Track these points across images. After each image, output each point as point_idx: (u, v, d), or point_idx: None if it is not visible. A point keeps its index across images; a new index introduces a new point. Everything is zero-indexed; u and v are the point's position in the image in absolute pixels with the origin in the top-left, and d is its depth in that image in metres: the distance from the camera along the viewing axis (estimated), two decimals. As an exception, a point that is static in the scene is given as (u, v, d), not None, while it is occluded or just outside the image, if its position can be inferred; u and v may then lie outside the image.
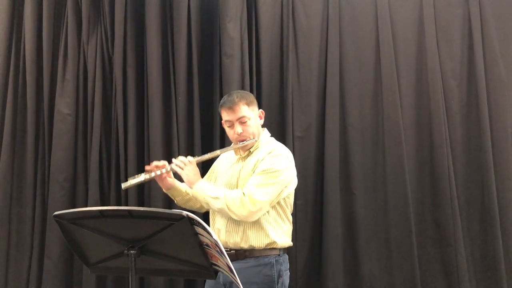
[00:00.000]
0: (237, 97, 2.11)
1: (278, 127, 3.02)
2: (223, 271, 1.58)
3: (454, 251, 2.87)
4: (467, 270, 2.88)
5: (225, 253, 1.50)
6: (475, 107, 3.00)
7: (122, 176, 2.94)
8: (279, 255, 2.09)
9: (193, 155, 2.94)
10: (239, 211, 1.98)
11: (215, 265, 1.58)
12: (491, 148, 2.94)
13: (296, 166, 2.91)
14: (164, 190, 2.25)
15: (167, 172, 2.15)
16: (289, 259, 2.81)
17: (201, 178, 2.13)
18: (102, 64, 3.04)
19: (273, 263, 2.06)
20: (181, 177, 2.14)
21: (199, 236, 1.50)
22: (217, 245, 1.49)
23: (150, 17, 3.00)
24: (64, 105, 3.00)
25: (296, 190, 2.88)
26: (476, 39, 3.02)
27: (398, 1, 3.09)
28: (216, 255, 1.54)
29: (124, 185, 2.19)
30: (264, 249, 2.06)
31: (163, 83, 3.01)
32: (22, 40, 3.08)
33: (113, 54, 3.03)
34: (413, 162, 2.99)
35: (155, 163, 2.17)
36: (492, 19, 3.04)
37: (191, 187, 2.11)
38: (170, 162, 2.17)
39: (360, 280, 2.91)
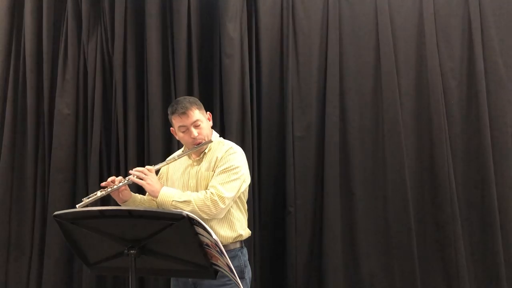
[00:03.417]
0: (188, 103, 2.20)
1: (278, 127, 3.02)
2: (223, 271, 1.58)
3: (454, 251, 2.87)
4: (467, 270, 2.88)
5: (225, 253, 1.50)
6: (475, 107, 3.00)
7: (123, 176, 2.94)
8: (241, 247, 2.21)
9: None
10: (210, 210, 2.06)
11: (215, 265, 1.58)
12: (491, 148, 2.94)
13: (296, 166, 2.95)
14: (119, 203, 2.24)
15: (125, 185, 2.16)
16: (289, 259, 2.86)
17: (163, 185, 2.16)
18: (102, 64, 3.04)
19: (239, 255, 2.18)
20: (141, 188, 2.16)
21: (199, 236, 1.50)
22: (217, 245, 1.49)
23: (150, 17, 3.00)
24: (64, 105, 3.00)
25: (296, 190, 2.93)
26: (476, 39, 3.02)
27: (398, 1, 3.09)
28: (216, 255, 1.54)
29: (78, 205, 2.13)
30: (228, 244, 2.14)
31: (163, 83, 3.01)
32: (22, 40, 3.08)
33: (113, 54, 3.03)
34: (413, 162, 2.99)
35: (110, 178, 2.17)
36: (492, 19, 3.04)
37: (155, 196, 2.11)
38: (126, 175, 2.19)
39: (360, 280, 2.91)
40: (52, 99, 3.05)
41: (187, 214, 1.45)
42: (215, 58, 3.03)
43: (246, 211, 2.30)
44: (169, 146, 2.97)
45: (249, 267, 2.23)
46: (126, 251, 1.55)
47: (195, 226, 1.48)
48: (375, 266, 2.93)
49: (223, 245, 2.06)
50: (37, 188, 3.01)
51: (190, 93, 3.00)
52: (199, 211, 2.05)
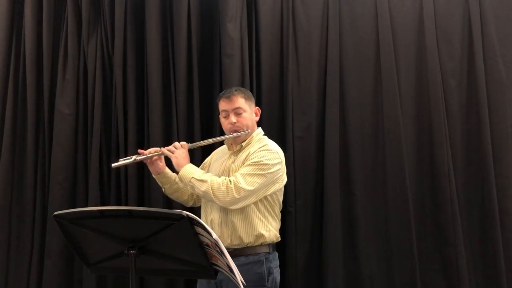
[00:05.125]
0: (235, 90, 2.25)
1: (278, 127, 3.02)
2: (223, 271, 1.58)
3: (454, 251, 2.87)
4: (467, 270, 2.88)
5: (225, 252, 1.50)
6: (475, 107, 3.00)
7: (122, 176, 2.94)
8: (269, 252, 2.14)
9: (192, 155, 2.96)
10: (223, 196, 2.03)
11: (215, 265, 1.58)
12: (491, 148, 2.94)
13: (296, 166, 2.94)
14: (153, 175, 2.32)
15: (158, 155, 2.25)
16: (289, 259, 2.85)
17: (190, 163, 2.19)
18: (102, 64, 3.04)
19: (263, 261, 2.10)
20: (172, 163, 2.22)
21: (199, 236, 1.50)
22: (217, 245, 1.49)
23: (150, 17, 3.00)
24: (64, 105, 3.00)
25: (296, 190, 2.92)
26: (476, 39, 3.02)
27: (398, 1, 3.09)
28: (216, 255, 1.54)
29: (114, 165, 2.26)
30: (254, 247, 2.10)
31: (163, 83, 3.01)
32: (22, 40, 3.08)
33: (113, 54, 3.03)
34: (413, 161, 2.99)
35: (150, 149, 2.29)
36: (492, 19, 3.04)
37: (178, 170, 2.15)
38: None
39: (360, 280, 2.91)
40: (52, 99, 3.05)
41: (187, 214, 1.45)
42: (215, 58, 3.03)
43: (278, 216, 2.23)
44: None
45: (275, 274, 2.13)
46: (126, 251, 1.55)
47: (195, 226, 1.48)
48: (375, 266, 2.92)
49: (246, 247, 2.08)
50: (37, 188, 3.01)
51: (190, 93, 3.00)
52: (211, 194, 2.05)
